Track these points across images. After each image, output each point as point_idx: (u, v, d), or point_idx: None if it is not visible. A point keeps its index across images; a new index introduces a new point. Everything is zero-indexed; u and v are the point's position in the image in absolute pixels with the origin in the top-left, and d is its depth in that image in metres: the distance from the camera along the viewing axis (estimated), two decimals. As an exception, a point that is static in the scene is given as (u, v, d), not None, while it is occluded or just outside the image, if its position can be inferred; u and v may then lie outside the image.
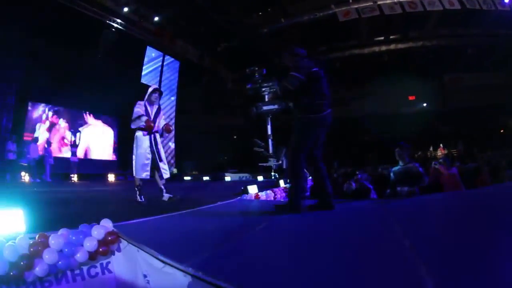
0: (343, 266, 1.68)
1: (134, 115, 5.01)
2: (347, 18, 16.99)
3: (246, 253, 2.13)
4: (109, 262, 2.24)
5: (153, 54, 18.28)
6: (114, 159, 17.23)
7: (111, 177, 13.27)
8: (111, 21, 15.29)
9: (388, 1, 16.29)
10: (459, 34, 19.48)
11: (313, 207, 3.72)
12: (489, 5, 15.45)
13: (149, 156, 5.00)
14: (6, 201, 2.33)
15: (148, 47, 17.72)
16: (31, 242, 1.84)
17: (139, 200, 4.87)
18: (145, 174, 4.96)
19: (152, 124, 5.00)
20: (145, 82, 17.04)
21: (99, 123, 16.82)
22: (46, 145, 13.25)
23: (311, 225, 3.08)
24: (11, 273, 1.68)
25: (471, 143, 18.56)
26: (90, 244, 2.02)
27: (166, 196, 5.01)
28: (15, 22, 11.85)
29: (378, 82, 21.80)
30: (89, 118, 16.34)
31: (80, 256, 1.96)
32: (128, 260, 2.16)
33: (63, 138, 15.02)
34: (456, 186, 6.41)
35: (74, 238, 2.01)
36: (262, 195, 5.89)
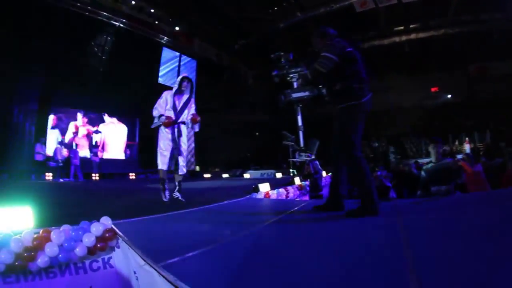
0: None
1: (154, 114, 4.92)
2: (364, 9, 16.89)
3: (216, 259, 2.20)
4: (110, 258, 2.44)
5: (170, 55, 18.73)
6: (125, 158, 17.70)
7: (131, 176, 13.70)
8: (126, 25, 15.82)
9: None
10: (483, 20, 18.79)
11: (320, 208, 3.45)
12: None
13: (169, 147, 4.83)
14: (20, 199, 2.57)
15: (164, 48, 18.16)
16: (35, 236, 2.08)
17: (163, 199, 4.76)
18: (163, 165, 4.81)
19: (172, 120, 4.81)
20: (162, 83, 17.59)
21: (120, 124, 17.43)
22: (73, 147, 13.90)
23: (301, 232, 2.83)
24: (16, 263, 1.92)
25: (499, 136, 17.92)
26: (88, 240, 2.22)
27: (176, 194, 4.88)
28: (34, 31, 12.56)
29: (400, 74, 21.41)
30: (109, 119, 16.94)
31: (79, 250, 2.17)
32: (124, 256, 2.36)
33: (87, 138, 15.61)
34: (480, 184, 5.96)
35: (73, 234, 2.22)
36: (273, 193, 5.89)
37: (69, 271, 2.26)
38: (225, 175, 15.51)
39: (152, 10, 16.35)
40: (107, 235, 2.35)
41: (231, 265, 2.02)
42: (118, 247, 2.43)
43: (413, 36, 20.06)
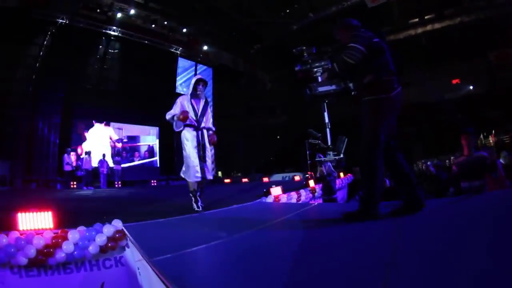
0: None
1: (168, 118, 4.66)
2: (376, 4, 16.94)
3: (204, 257, 2.37)
4: (122, 256, 2.77)
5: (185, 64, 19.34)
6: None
7: (153, 182, 14.18)
8: (141, 39, 16.66)
9: None
10: (499, 4, 18.26)
11: (398, 212, 2.96)
12: None
13: (196, 154, 4.58)
14: (44, 205, 2.92)
15: (179, 58, 18.80)
16: (54, 235, 2.43)
17: (196, 208, 4.47)
18: (195, 177, 4.52)
19: (188, 115, 4.53)
20: (181, 92, 18.20)
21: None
22: (101, 157, 14.38)
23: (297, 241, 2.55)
24: (38, 257, 2.28)
25: None
26: (100, 239, 2.56)
27: (200, 202, 4.56)
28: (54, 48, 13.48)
29: (418, 68, 21.06)
30: (131, 129, 17.55)
31: (92, 248, 2.51)
32: (132, 255, 2.68)
33: (113, 147, 16.30)
34: (497, 182, 5.21)
35: (87, 234, 2.55)
36: (283, 197, 5.83)
37: (84, 267, 2.61)
38: (244, 180, 15.77)
39: (166, 22, 17.03)
40: (117, 235, 2.68)
41: (216, 262, 2.27)
42: (128, 247, 2.75)
43: (429, 27, 19.79)
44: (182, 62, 18.93)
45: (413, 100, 21.03)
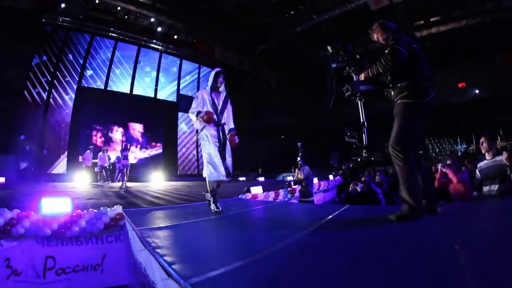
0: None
1: (193, 115, 4.54)
2: (379, 6, 17.41)
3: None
4: (121, 234, 3.70)
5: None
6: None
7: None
8: (152, 43, 17.92)
9: None
10: (506, 7, 18.45)
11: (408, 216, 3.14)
12: None
13: (218, 152, 4.51)
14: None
15: (183, 60, 19.91)
16: (71, 214, 3.39)
17: (215, 209, 4.39)
18: (216, 176, 4.45)
19: (213, 116, 4.44)
20: (183, 93, 19.46)
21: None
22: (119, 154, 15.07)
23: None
24: (59, 230, 3.22)
25: None
26: (104, 219, 3.49)
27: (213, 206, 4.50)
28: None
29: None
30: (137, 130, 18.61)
31: (98, 225, 3.44)
32: (130, 234, 3.59)
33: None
34: (464, 193, 5.82)
35: (95, 215, 3.49)
36: (261, 196, 6.61)
37: (92, 241, 3.56)
38: (242, 178, 16.77)
39: (168, 29, 18.07)
40: (117, 217, 3.61)
41: (184, 238, 3.02)
42: (125, 227, 3.68)
43: (434, 29, 20.16)
44: (185, 65, 19.92)
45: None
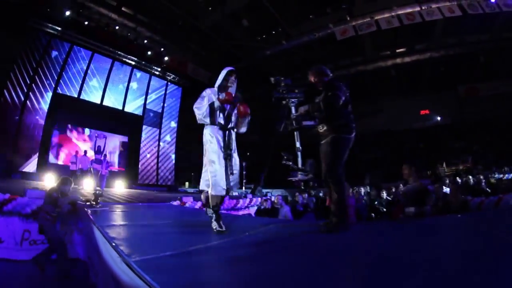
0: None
1: (198, 112, 4.16)
2: (344, 37, 19.17)
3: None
4: (79, 219, 5.78)
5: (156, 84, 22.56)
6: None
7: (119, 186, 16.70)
8: (126, 58, 20.15)
9: (385, 15, 18.33)
10: (468, 42, 20.92)
11: (332, 228, 3.90)
12: (493, 8, 16.80)
13: (223, 159, 4.11)
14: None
15: (153, 77, 22.13)
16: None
17: (219, 228, 3.95)
18: (221, 189, 4.03)
19: (229, 98, 4.14)
20: (149, 108, 21.82)
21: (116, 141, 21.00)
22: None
23: None
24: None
25: (482, 158, 19.81)
26: (66, 206, 5.57)
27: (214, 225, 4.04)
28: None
29: (389, 97, 23.98)
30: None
31: (63, 209, 5.53)
32: (85, 219, 5.62)
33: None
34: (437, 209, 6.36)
35: None
36: (188, 203, 8.72)
37: (58, 222, 5.61)
38: (190, 190, 18.75)
39: (146, 41, 20.00)
40: (77, 205, 5.69)
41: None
42: (82, 214, 5.73)
43: (399, 60, 22.28)
44: (154, 81, 22.14)
45: (382, 127, 24.15)
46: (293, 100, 4.59)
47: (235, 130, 4.39)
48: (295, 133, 4.78)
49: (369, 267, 2.27)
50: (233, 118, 4.34)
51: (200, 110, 4.12)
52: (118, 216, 5.59)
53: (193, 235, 4.15)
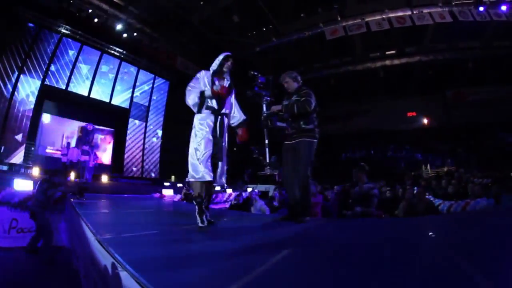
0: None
1: (190, 99, 4.18)
2: (334, 36, 19.71)
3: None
4: (64, 209, 6.33)
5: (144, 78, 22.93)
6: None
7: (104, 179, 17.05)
8: (111, 50, 20.45)
9: (376, 17, 18.80)
10: (458, 48, 21.58)
11: (284, 218, 4.55)
12: (483, 16, 17.27)
13: (210, 146, 4.01)
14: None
15: (141, 70, 22.48)
16: (31, 191, 6.08)
17: (200, 224, 3.79)
18: (205, 174, 3.89)
19: (222, 91, 4.15)
20: (136, 101, 22.25)
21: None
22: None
23: None
24: (24, 201, 5.89)
25: (465, 161, 20.23)
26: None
27: (207, 214, 3.98)
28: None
29: (377, 98, 24.61)
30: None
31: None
32: (69, 209, 6.17)
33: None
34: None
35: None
36: (169, 196, 9.46)
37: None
38: (179, 185, 19.30)
39: (135, 34, 20.23)
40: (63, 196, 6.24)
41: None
42: (67, 204, 6.28)
43: (388, 62, 22.88)
44: (141, 75, 22.49)
45: (368, 127, 24.84)
46: (266, 98, 4.88)
47: (227, 117, 4.36)
48: (265, 130, 5.10)
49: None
50: (226, 104, 4.29)
51: (190, 96, 4.16)
52: (99, 205, 6.19)
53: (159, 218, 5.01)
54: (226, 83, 4.37)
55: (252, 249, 2.80)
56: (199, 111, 4.14)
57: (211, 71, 4.34)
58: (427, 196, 8.86)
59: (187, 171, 4.01)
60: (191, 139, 4.07)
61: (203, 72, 4.31)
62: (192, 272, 2.01)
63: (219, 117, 4.14)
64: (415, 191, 8.67)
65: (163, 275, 1.92)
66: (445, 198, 9.01)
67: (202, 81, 4.20)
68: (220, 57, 4.42)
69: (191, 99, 4.14)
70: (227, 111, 4.33)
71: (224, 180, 4.25)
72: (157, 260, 2.30)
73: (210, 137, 4.02)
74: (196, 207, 3.84)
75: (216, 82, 4.20)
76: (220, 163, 4.12)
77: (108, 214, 5.12)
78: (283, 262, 2.29)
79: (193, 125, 4.13)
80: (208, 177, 3.89)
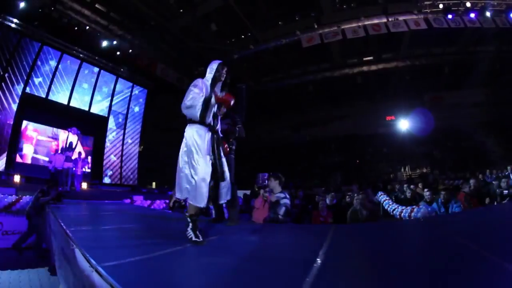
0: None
1: (187, 110, 3.87)
2: (310, 44, 20.61)
3: None
4: (47, 214, 7.65)
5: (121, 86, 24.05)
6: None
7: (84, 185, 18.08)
8: (92, 60, 21.69)
9: (352, 25, 19.76)
10: (434, 53, 22.94)
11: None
12: (457, 23, 18.28)
13: (210, 163, 3.84)
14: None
15: (119, 78, 23.68)
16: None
17: (194, 238, 3.65)
18: (201, 200, 3.69)
19: (227, 99, 3.98)
20: (114, 109, 23.41)
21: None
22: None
23: None
24: (8, 206, 7.24)
25: (441, 163, 21.94)
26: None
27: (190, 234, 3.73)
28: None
29: (355, 103, 25.87)
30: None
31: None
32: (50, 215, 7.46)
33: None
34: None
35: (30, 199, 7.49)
36: (138, 202, 10.81)
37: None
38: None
39: (115, 42, 21.10)
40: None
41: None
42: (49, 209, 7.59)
43: (365, 68, 24.09)
44: (120, 84, 23.68)
45: (347, 132, 26.18)
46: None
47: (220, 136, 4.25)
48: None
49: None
50: (219, 119, 4.23)
51: (193, 103, 3.83)
52: (74, 208, 7.51)
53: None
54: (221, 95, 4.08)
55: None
56: (198, 122, 3.91)
57: (210, 79, 4.10)
58: (386, 201, 9.89)
59: (175, 185, 3.90)
60: (184, 153, 3.86)
61: (200, 80, 4.04)
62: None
63: (214, 136, 4.00)
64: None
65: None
66: (403, 203, 9.21)
67: (200, 89, 3.93)
68: (214, 65, 4.21)
69: (194, 106, 3.83)
70: (219, 127, 4.24)
71: (228, 196, 4.21)
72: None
73: (208, 152, 3.85)
74: (190, 224, 3.71)
75: (217, 89, 4.07)
76: (222, 183, 4.05)
77: (79, 215, 6.54)
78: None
79: (188, 141, 3.88)
80: (204, 204, 3.71)
